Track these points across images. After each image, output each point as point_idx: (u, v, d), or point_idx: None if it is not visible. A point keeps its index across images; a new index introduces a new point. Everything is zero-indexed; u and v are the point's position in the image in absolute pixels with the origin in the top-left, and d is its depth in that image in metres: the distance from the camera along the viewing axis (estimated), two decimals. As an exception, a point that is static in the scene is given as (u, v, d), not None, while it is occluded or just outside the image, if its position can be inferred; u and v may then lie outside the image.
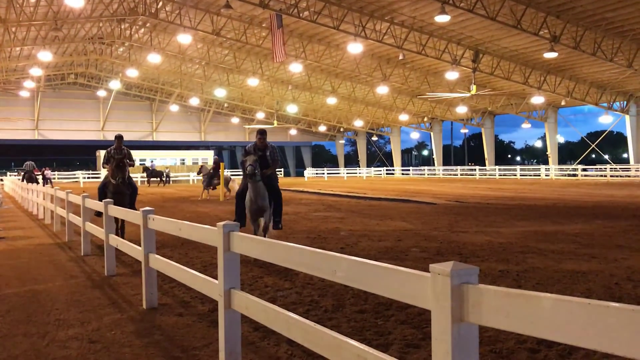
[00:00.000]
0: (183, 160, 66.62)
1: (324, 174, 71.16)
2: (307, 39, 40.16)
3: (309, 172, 71.09)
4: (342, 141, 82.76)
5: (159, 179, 50.76)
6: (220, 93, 56.65)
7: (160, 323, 5.96)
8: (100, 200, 10.98)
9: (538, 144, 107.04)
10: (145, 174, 50.74)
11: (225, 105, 69.90)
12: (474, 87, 39.48)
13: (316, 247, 3.66)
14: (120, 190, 11.71)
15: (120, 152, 11.97)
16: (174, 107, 67.65)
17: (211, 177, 27.54)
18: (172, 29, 40.35)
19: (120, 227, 11.48)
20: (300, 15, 32.45)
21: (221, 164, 27.20)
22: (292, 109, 61.80)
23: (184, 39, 36.84)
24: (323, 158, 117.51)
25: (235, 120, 72.43)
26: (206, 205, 22.90)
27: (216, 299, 4.68)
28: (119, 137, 12.26)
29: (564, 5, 29.45)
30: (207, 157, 67.13)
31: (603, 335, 1.90)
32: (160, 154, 66.67)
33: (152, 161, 59.43)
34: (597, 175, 49.46)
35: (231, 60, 47.07)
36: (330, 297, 6.81)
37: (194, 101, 64.58)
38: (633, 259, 8.91)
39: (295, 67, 42.10)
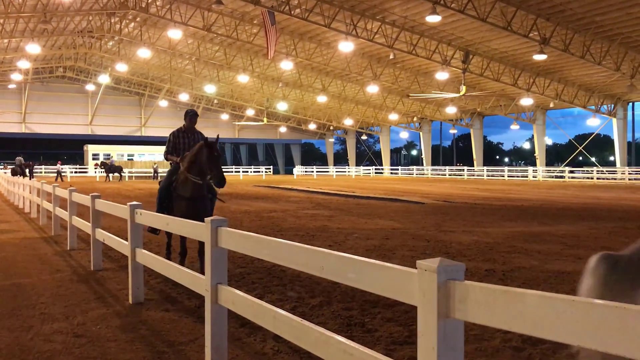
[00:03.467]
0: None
1: (313, 172, 71.18)
2: (298, 36, 40.13)
3: (298, 169, 71.11)
4: (332, 139, 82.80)
5: (118, 174, 50.42)
6: (210, 89, 56.48)
7: (146, 318, 5.94)
8: (161, 209, 7.90)
9: (526, 145, 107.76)
10: (103, 169, 50.44)
11: (215, 101, 69.67)
12: (463, 88, 39.66)
13: (304, 244, 3.67)
14: (199, 194, 7.66)
15: (199, 136, 8.25)
16: (163, 103, 67.30)
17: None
18: (162, 23, 40.14)
19: (180, 252, 7.99)
20: (292, 12, 32.40)
21: None
22: (282, 106, 61.74)
23: (175, 34, 36.66)
24: (312, 156, 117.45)
25: (224, 116, 72.23)
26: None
27: (203, 294, 4.67)
28: (192, 114, 8.37)
29: (554, 8, 29.64)
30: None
31: (587, 332, 1.92)
32: (148, 149, 66.35)
33: (109, 157, 58.83)
34: (583, 178, 49.89)
35: (221, 57, 46.91)
36: (317, 294, 6.82)
37: (184, 97, 64.30)
38: (618, 260, 8.99)
39: (286, 65, 42.07)
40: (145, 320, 5.84)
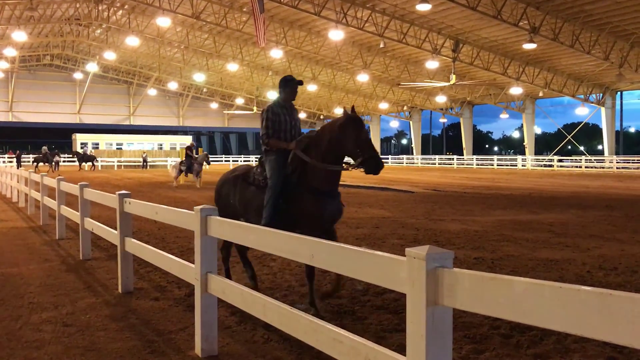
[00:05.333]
0: (161, 145, 65.94)
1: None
2: (288, 24, 39.90)
3: (288, 159, 70.98)
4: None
5: (91, 163, 49.95)
6: (199, 78, 56.13)
7: (135, 307, 5.93)
8: (274, 214, 5.64)
9: (515, 134, 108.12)
10: (76, 158, 50.10)
11: (204, 90, 69.28)
12: (453, 77, 39.67)
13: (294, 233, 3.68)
14: (337, 187, 5.80)
15: (296, 112, 6.26)
16: (151, 91, 66.82)
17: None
18: (150, 11, 39.75)
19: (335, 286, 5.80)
20: (282, 0, 32.20)
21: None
22: (272, 95, 61.46)
23: (163, 21, 36.34)
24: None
25: (214, 105, 71.87)
26: (184, 191, 22.76)
27: (193, 283, 4.67)
28: (295, 82, 6.08)
29: (543, -3, 29.69)
30: (185, 142, 66.60)
31: (574, 318, 1.94)
32: (137, 138, 65.90)
33: (84, 145, 58.29)
34: (572, 166, 50.22)
35: (211, 45, 46.60)
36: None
37: (173, 85, 63.87)
38: (605, 248, 9.09)
39: (276, 53, 41.85)
40: (134, 309, 5.84)
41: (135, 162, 58.11)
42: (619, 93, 48.20)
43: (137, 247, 6.31)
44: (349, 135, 5.40)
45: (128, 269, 6.59)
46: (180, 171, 25.88)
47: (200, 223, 4.51)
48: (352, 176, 35.71)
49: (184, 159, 26.76)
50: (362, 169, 5.39)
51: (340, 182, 5.89)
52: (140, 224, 11.46)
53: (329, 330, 3.11)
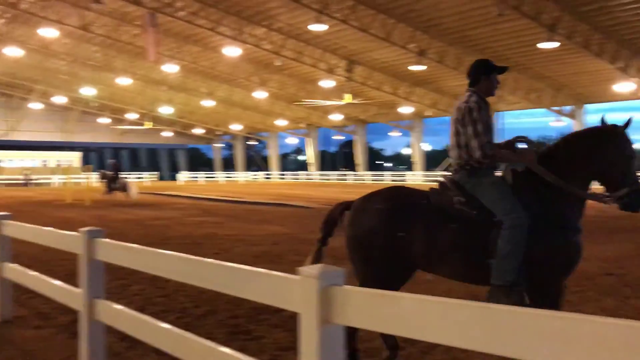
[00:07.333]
0: (45, 161, 61.98)
1: (199, 178, 69.86)
2: (183, 39, 39.20)
3: (183, 175, 69.42)
4: (219, 145, 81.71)
5: None
6: (88, 91, 53.63)
7: (14, 337, 5.51)
8: (520, 274, 3.93)
9: (406, 151, 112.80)
10: None
11: (94, 104, 66.21)
12: (346, 96, 40.78)
13: (190, 253, 3.59)
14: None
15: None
16: (35, 105, 62.83)
17: (112, 181, 27.22)
18: (35, 21, 37.53)
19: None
20: (176, 15, 31.64)
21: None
22: (166, 110, 60.00)
23: (48, 32, 34.45)
24: (199, 162, 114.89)
25: (104, 120, 68.87)
26: (72, 210, 21.56)
27: (79, 310, 4.42)
28: (497, 70, 4.78)
29: (431, 21, 31.32)
30: (72, 158, 63.16)
31: (457, 332, 2.04)
32: (19, 154, 61.56)
33: None
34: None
35: (100, 58, 44.75)
36: (202, 303, 6.69)
37: (60, 99, 60.46)
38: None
39: (170, 68, 40.96)
40: (12, 340, 5.42)
41: (16, 180, 54.17)
42: (499, 113, 51.78)
43: (16, 272, 5.89)
44: (620, 156, 4.01)
45: (5, 297, 6.12)
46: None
47: (86, 246, 4.29)
48: (252, 193, 35.48)
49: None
50: (617, 204, 4.04)
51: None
52: (22, 247, 10.63)
53: (222, 353, 3.06)
